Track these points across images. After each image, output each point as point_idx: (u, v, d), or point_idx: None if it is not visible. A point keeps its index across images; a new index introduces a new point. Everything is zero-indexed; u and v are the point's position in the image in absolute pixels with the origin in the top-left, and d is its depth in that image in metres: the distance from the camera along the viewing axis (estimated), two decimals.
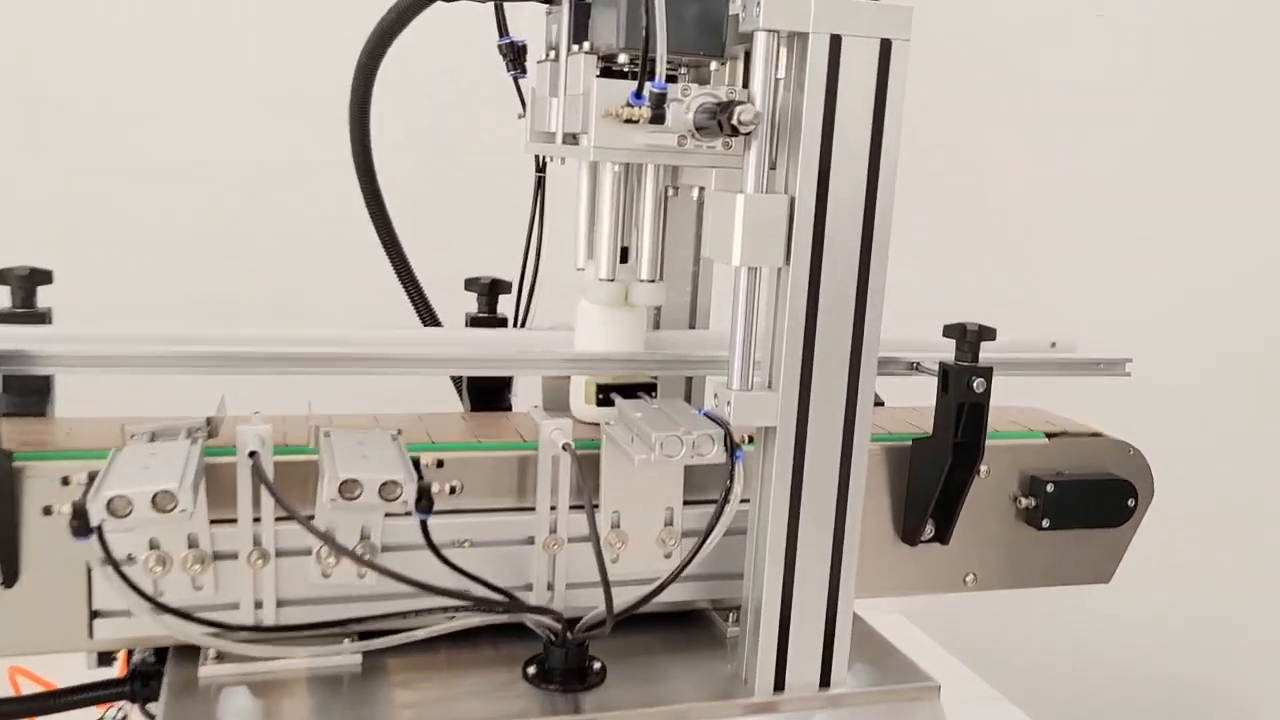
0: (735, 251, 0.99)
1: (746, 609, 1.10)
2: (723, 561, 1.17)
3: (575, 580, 1.13)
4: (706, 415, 1.05)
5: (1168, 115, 2.47)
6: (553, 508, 1.10)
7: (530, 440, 1.16)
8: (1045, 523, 1.30)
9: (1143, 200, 2.47)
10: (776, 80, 0.98)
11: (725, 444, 1.01)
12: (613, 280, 1.11)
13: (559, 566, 1.12)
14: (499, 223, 1.37)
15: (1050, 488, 1.30)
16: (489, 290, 1.28)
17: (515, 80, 1.31)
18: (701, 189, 1.10)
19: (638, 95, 0.99)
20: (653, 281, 1.13)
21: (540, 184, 1.35)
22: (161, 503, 0.85)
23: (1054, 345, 1.40)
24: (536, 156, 1.34)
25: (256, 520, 1.03)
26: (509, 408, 1.29)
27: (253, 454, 0.96)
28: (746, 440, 1.04)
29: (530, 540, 1.11)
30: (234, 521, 1.03)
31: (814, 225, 1.00)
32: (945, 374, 1.19)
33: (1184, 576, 2.48)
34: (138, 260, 1.92)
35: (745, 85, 1.02)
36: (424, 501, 0.90)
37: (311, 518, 0.95)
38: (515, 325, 1.33)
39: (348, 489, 0.88)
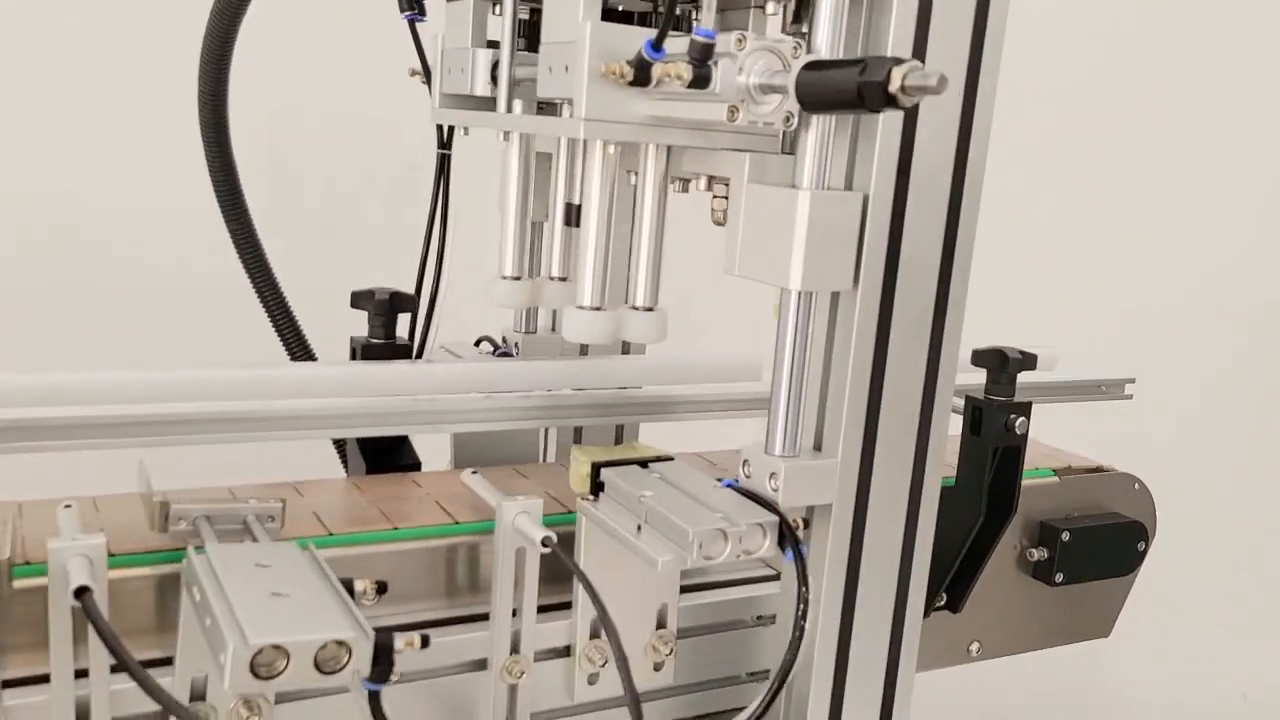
0: (794, 271, 0.71)
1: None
2: (712, 667, 0.91)
3: (541, 710, 0.83)
4: (735, 490, 0.77)
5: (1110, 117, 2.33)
6: (515, 612, 0.79)
7: (470, 521, 0.85)
8: (1059, 577, 1.10)
9: (1084, 206, 2.32)
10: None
11: (780, 537, 0.73)
12: (600, 310, 0.80)
13: (521, 699, 0.81)
14: (393, 218, 1.03)
15: (1066, 536, 1.10)
16: (386, 308, 0.95)
17: (411, 25, 0.97)
18: (715, 182, 0.81)
19: (655, 47, 0.69)
20: (650, 310, 0.83)
21: (444, 165, 1.02)
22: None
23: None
24: (439, 128, 1.01)
25: (81, 675, 0.68)
26: (416, 465, 0.97)
27: (83, 592, 0.61)
28: (803, 527, 0.76)
29: (480, 665, 0.80)
30: (42, 681, 0.67)
31: (889, 233, 0.74)
32: (977, 412, 0.96)
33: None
34: None
35: (797, 33, 0.74)
36: (381, 667, 0.58)
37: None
38: (414, 353, 1.00)
39: (264, 664, 0.55)
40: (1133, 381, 1.19)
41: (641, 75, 0.71)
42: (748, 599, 0.91)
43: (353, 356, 0.96)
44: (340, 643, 0.56)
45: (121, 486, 0.87)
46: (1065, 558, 1.10)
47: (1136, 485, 1.18)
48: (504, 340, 1.13)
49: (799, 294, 0.73)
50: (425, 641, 0.59)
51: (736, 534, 0.71)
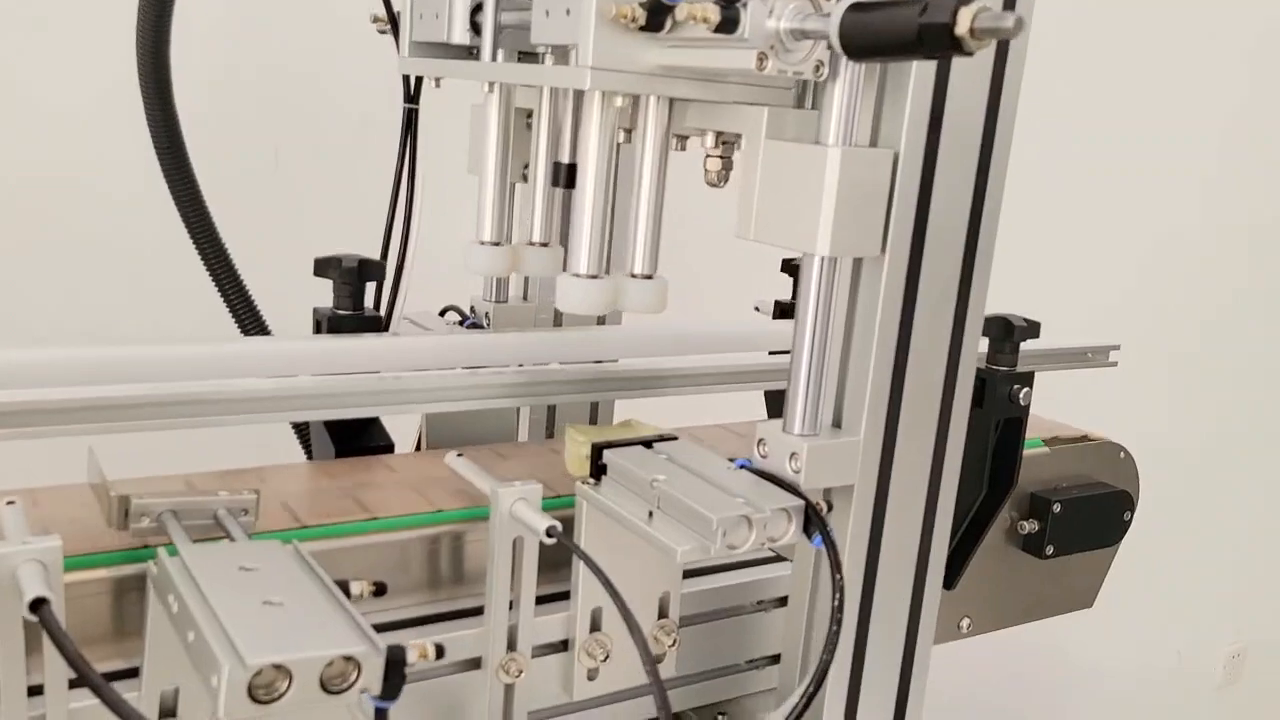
0: (822, 235, 0.65)
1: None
2: (712, 655, 0.86)
3: (539, 708, 0.77)
4: (751, 471, 0.72)
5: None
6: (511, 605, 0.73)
7: (459, 508, 0.78)
8: (1050, 549, 1.07)
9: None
10: None
11: (806, 522, 0.68)
12: (597, 278, 0.74)
13: (518, 699, 0.75)
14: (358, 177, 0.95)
15: (1057, 508, 1.06)
16: (355, 275, 0.87)
17: None
18: (722, 139, 0.74)
19: None
20: (649, 278, 0.77)
21: (411, 121, 0.95)
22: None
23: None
24: (407, 79, 0.93)
25: (34, 693, 0.60)
26: (389, 447, 0.90)
27: (40, 604, 0.53)
28: (826, 510, 0.71)
29: (473, 664, 0.74)
30: None
31: (919, 194, 0.69)
32: (981, 382, 0.91)
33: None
34: None
35: None
36: (393, 683, 0.52)
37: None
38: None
39: (263, 685, 0.48)
40: (1118, 348, 1.16)
41: (654, 19, 0.65)
42: (749, 583, 0.86)
43: (317, 330, 0.88)
44: (348, 658, 0.49)
45: (54, 477, 0.79)
46: (1056, 529, 1.07)
47: (1122, 454, 1.15)
48: (472, 310, 1.06)
49: (824, 260, 0.68)
50: (440, 651, 0.53)
51: (761, 520, 0.66)
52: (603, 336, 0.92)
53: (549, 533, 0.68)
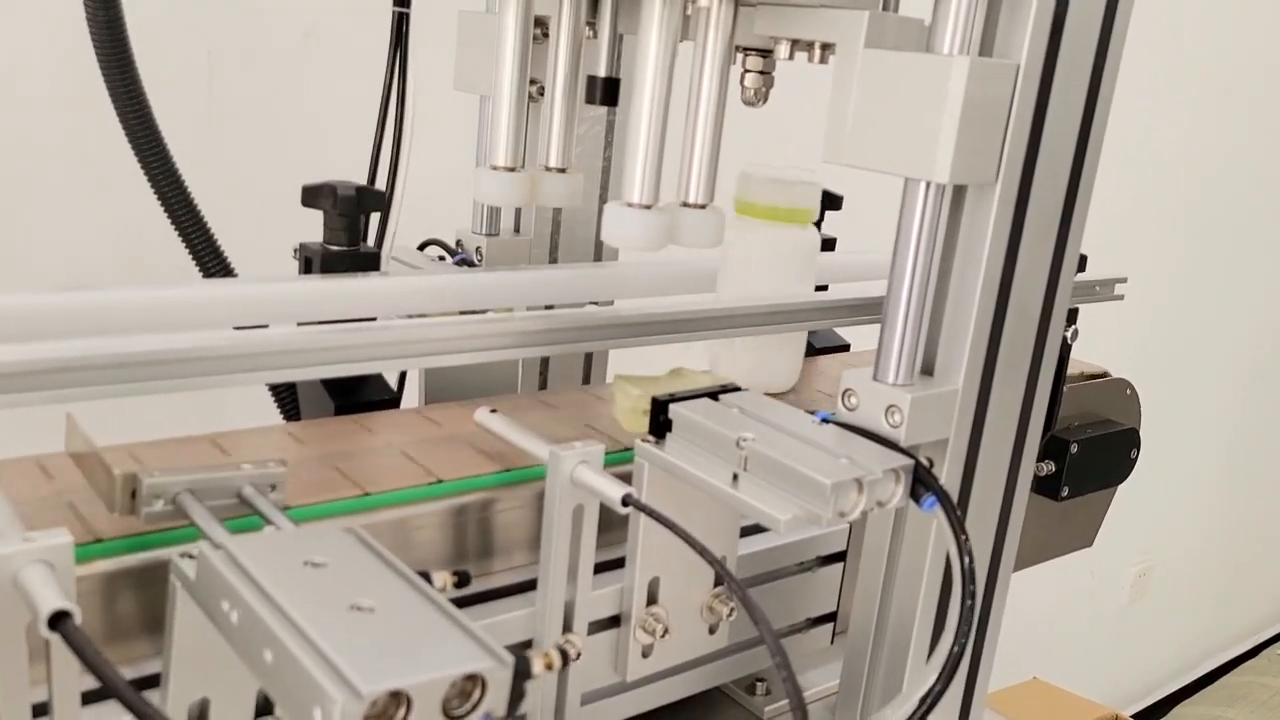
0: (941, 159, 0.57)
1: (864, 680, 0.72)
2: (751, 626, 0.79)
3: (592, 690, 0.69)
4: (839, 426, 0.64)
5: None
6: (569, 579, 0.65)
7: (494, 472, 0.69)
8: (1065, 491, 1.04)
9: None
10: None
11: (912, 484, 0.61)
12: (650, 208, 0.64)
13: (572, 682, 0.67)
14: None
15: (1074, 448, 1.03)
16: (353, 205, 0.75)
17: None
18: (817, 47, 0.65)
19: None
20: (703, 208, 0.67)
21: (401, 27, 0.83)
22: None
23: None
24: None
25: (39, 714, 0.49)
26: (395, 402, 0.79)
27: (61, 618, 0.42)
28: (930, 466, 0.64)
29: (522, 646, 0.65)
30: None
31: (1034, 116, 0.61)
32: None
33: None
34: None
35: None
36: (517, 697, 0.43)
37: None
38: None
39: (375, 716, 0.38)
40: (1124, 281, 1.12)
41: None
42: (797, 543, 0.79)
43: (305, 269, 0.76)
44: (475, 677, 0.40)
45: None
46: (1072, 471, 1.03)
47: (1128, 390, 1.12)
48: (459, 245, 0.96)
49: (934, 188, 0.60)
50: (566, 658, 0.44)
51: (872, 482, 0.58)
52: (646, 274, 0.83)
53: (625, 501, 0.59)
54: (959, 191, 0.63)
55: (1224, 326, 2.90)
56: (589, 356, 1.01)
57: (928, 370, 0.66)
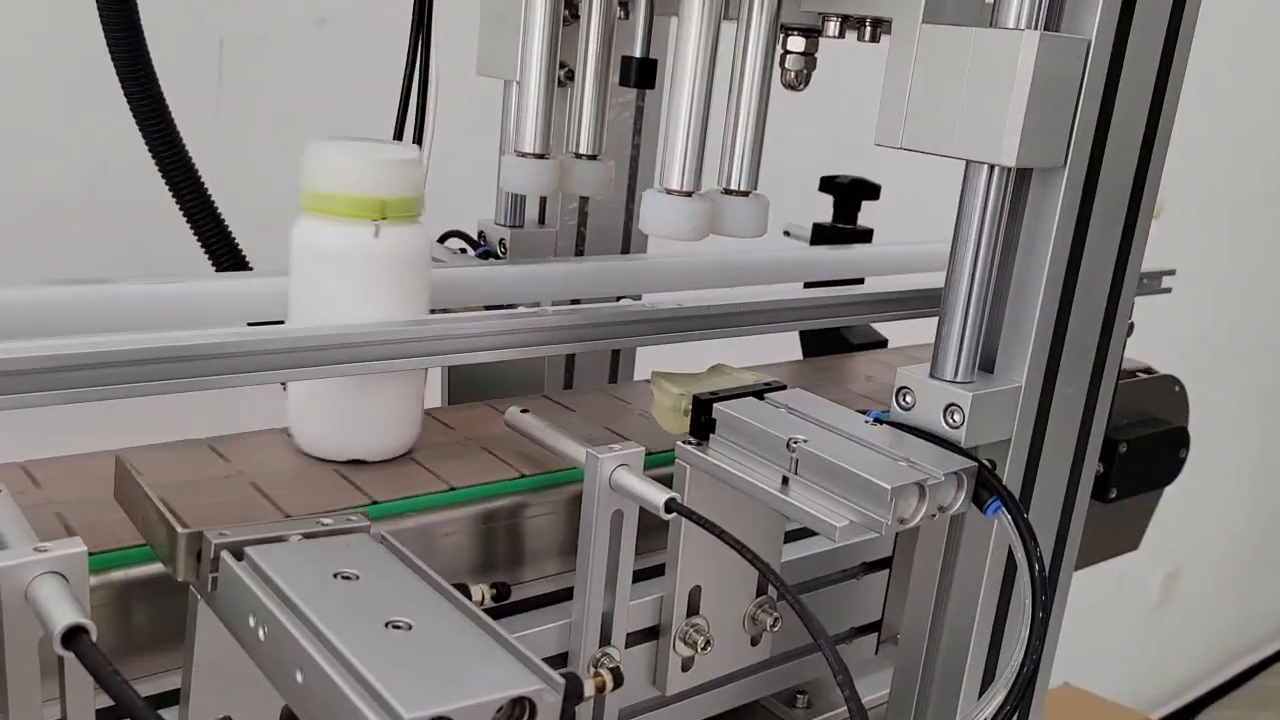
0: (1009, 140, 0.54)
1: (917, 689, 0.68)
2: (802, 632, 0.75)
3: (629, 704, 0.66)
4: (894, 426, 0.60)
5: None
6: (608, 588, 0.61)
7: (525, 475, 0.65)
8: (1113, 492, 1.00)
9: None
10: None
11: (974, 488, 0.57)
12: (692, 195, 0.61)
13: (610, 697, 0.63)
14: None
15: (1123, 449, 0.99)
16: None
17: None
18: (868, 24, 0.61)
19: None
20: (746, 195, 0.64)
21: (424, 9, 0.79)
22: None
23: None
24: None
25: None
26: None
27: (76, 634, 0.39)
28: (991, 468, 0.60)
29: (559, 662, 0.62)
30: None
31: (1104, 92, 0.57)
32: None
33: None
34: None
35: None
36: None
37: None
38: None
39: None
40: (1172, 273, 1.08)
41: None
42: (853, 546, 0.75)
43: None
44: (526, 700, 0.37)
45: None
46: (1121, 471, 0.99)
47: (1177, 387, 1.08)
48: (481, 237, 0.92)
49: (1000, 172, 0.56)
50: (619, 679, 0.41)
51: (934, 487, 0.55)
52: (679, 266, 0.79)
53: (669, 506, 0.56)
54: (1023, 176, 0.59)
55: (1255, 324, 2.85)
56: (615, 354, 0.97)
57: (987, 367, 0.62)
